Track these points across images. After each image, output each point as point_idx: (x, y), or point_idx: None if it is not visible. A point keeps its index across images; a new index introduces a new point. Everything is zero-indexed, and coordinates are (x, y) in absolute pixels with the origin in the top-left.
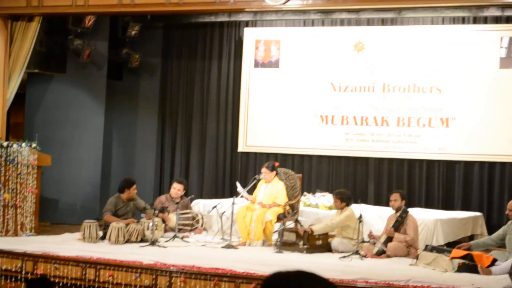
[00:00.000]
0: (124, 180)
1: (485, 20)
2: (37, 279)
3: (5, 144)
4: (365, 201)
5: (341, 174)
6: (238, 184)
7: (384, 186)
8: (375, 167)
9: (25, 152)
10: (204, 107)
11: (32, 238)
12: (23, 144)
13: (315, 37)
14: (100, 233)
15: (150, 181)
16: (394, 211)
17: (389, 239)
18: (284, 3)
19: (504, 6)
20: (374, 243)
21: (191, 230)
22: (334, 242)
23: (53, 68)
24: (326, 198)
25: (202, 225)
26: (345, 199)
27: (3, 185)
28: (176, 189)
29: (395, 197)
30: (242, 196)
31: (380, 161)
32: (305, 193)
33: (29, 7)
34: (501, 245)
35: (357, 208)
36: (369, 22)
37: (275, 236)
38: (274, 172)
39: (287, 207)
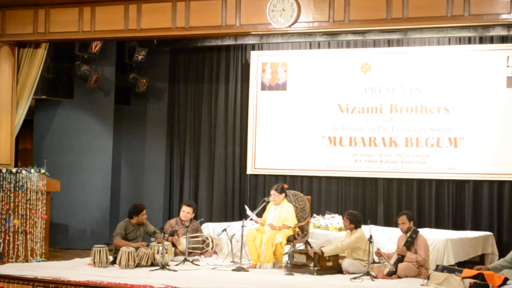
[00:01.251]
0: (133, 206)
1: (491, 40)
2: None
3: (14, 170)
4: (374, 222)
5: (350, 195)
6: (247, 208)
7: (393, 207)
8: (384, 188)
9: (34, 178)
10: (212, 130)
11: (43, 264)
12: (32, 170)
13: (322, 59)
14: (110, 258)
15: (159, 205)
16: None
17: (400, 259)
18: (290, 26)
19: (510, 26)
20: (385, 263)
21: (201, 254)
22: (345, 263)
23: (60, 94)
24: (335, 220)
25: (212, 248)
26: (354, 221)
27: (13, 211)
28: (186, 212)
29: (403, 220)
30: (251, 219)
31: (389, 181)
32: (314, 214)
33: (36, 34)
34: None
35: (366, 229)
36: (375, 44)
37: (285, 258)
38: (283, 194)
39: (297, 229)
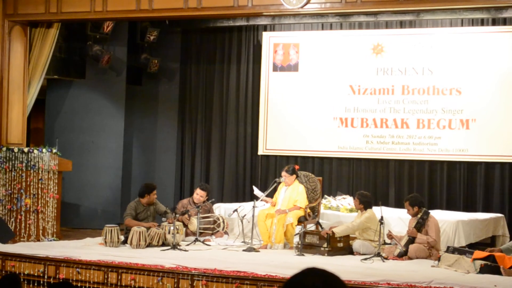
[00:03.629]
0: (144, 185)
1: (504, 22)
2: (59, 284)
3: (26, 150)
4: (385, 203)
5: (362, 176)
6: (255, 188)
7: (404, 188)
8: (395, 169)
9: (46, 158)
10: (223, 111)
11: (54, 243)
12: (44, 150)
13: (334, 40)
14: (122, 238)
15: (170, 185)
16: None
17: (410, 241)
18: (302, 7)
19: None
20: (396, 244)
21: (212, 234)
22: (356, 244)
23: (72, 74)
24: (346, 201)
25: (223, 228)
26: (364, 201)
27: (25, 191)
28: (199, 195)
29: (406, 207)
30: (262, 200)
31: (400, 163)
32: (325, 195)
33: (48, 14)
34: None
35: (378, 210)
36: (388, 25)
37: (296, 239)
38: (294, 176)
39: (308, 210)
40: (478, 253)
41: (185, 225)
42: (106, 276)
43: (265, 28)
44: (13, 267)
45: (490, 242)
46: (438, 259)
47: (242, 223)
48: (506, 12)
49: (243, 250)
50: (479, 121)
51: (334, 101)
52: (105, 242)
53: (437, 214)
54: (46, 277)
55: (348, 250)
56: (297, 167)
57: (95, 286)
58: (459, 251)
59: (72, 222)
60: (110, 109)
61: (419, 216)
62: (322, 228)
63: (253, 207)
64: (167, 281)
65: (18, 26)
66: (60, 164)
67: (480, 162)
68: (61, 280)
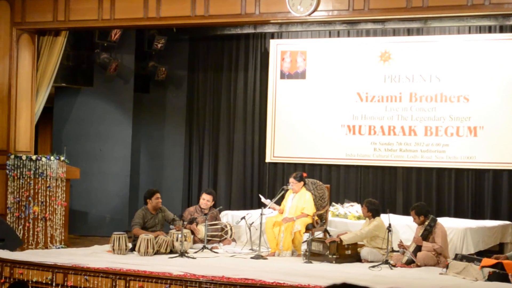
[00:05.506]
0: (146, 191)
1: None
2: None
3: (34, 157)
4: (393, 210)
5: (369, 184)
6: (261, 197)
7: (412, 196)
8: (403, 177)
9: (54, 165)
10: (231, 118)
11: (62, 251)
12: (52, 157)
13: (341, 47)
14: (130, 245)
15: (178, 193)
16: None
17: (418, 248)
18: (309, 15)
19: None
20: (404, 252)
21: (220, 241)
22: (364, 252)
23: (80, 81)
24: (354, 208)
25: (231, 236)
26: (372, 209)
27: (33, 198)
28: (206, 199)
29: (413, 216)
30: (270, 207)
31: (408, 170)
32: (333, 203)
33: (56, 22)
34: None
35: (385, 218)
36: (395, 32)
37: (304, 246)
38: (302, 183)
39: (316, 217)
40: (487, 261)
41: (193, 233)
42: (114, 284)
43: (272, 35)
44: (22, 274)
45: (498, 250)
46: (446, 266)
47: (249, 230)
48: None
49: (251, 258)
50: (487, 128)
51: (341, 108)
52: (113, 249)
53: (445, 222)
54: (54, 284)
55: (356, 257)
56: (304, 174)
57: None
58: (467, 258)
59: (80, 230)
60: (118, 116)
61: (426, 223)
62: (330, 235)
63: (261, 214)
64: None
65: (26, 34)
66: (68, 171)
67: (488, 169)
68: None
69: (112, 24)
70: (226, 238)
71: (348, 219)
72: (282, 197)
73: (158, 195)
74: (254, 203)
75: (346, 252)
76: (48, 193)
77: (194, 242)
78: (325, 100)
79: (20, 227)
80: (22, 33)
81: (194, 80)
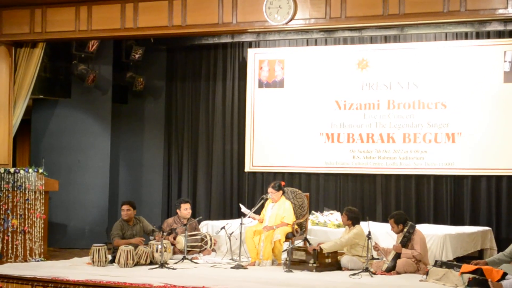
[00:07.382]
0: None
1: (488, 35)
2: None
3: (12, 170)
4: (373, 218)
5: (349, 191)
6: (241, 206)
7: (392, 203)
8: (382, 184)
9: (32, 178)
10: (209, 128)
11: (42, 263)
12: (30, 170)
13: (319, 56)
14: (109, 257)
15: (157, 203)
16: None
17: (398, 255)
18: (286, 23)
19: (507, 20)
20: (383, 259)
21: (200, 252)
22: (344, 260)
23: (58, 93)
24: (334, 216)
25: (210, 246)
26: (352, 217)
27: (11, 211)
28: (188, 210)
29: (391, 224)
30: (249, 217)
31: (387, 177)
32: (313, 211)
33: (33, 34)
34: None
35: (365, 225)
36: (372, 40)
37: (284, 255)
38: (281, 192)
39: (296, 226)
40: (466, 267)
41: (173, 244)
42: None
43: (250, 44)
44: None
45: (478, 256)
46: (426, 273)
47: (229, 240)
48: (490, 25)
49: (231, 268)
50: (465, 135)
51: (320, 116)
52: (93, 261)
53: (424, 228)
54: None
55: (336, 265)
56: (283, 183)
57: None
58: (447, 265)
59: (59, 242)
60: (96, 128)
61: (405, 230)
62: (310, 244)
63: (241, 224)
64: None
65: (2, 46)
66: (46, 184)
67: (466, 175)
68: None
69: (89, 35)
70: (206, 249)
71: (328, 227)
72: (262, 206)
73: (125, 206)
74: (234, 213)
75: (327, 261)
76: (26, 205)
77: (174, 253)
78: (304, 108)
79: None
80: None
81: (172, 90)
